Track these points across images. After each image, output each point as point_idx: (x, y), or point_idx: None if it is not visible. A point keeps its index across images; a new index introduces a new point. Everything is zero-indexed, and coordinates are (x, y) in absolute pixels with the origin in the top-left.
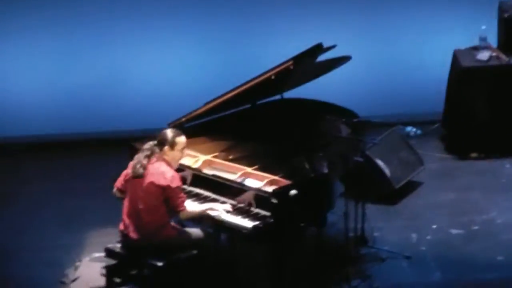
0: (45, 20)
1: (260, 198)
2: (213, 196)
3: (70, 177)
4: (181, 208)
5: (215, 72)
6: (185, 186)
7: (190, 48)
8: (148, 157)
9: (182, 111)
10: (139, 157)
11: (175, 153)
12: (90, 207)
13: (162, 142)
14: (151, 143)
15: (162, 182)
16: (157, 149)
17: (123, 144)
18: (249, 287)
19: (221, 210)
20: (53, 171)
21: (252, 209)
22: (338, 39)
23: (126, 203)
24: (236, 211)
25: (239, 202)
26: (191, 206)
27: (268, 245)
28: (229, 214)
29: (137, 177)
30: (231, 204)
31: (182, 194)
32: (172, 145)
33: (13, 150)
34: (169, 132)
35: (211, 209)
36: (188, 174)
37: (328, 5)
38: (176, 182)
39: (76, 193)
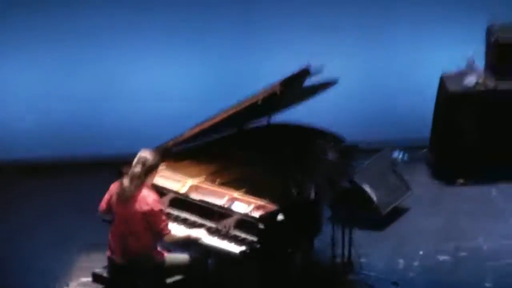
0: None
1: (247, 222)
2: (200, 221)
3: (58, 200)
4: (166, 232)
5: (207, 91)
6: (172, 211)
7: (178, 69)
8: (138, 186)
9: (173, 132)
10: (127, 182)
11: (155, 175)
12: (78, 231)
13: (150, 169)
14: (137, 169)
15: (145, 207)
16: (142, 176)
17: (111, 167)
18: None
19: (206, 235)
20: (40, 193)
21: (236, 233)
22: (327, 61)
23: (112, 228)
24: (222, 236)
25: (220, 226)
26: (177, 231)
27: (255, 270)
28: (216, 239)
29: (123, 201)
30: (216, 229)
31: (165, 218)
32: (155, 169)
33: (4, 172)
34: (154, 156)
35: (196, 235)
36: (169, 197)
37: (318, 29)
38: (158, 206)
39: (65, 216)
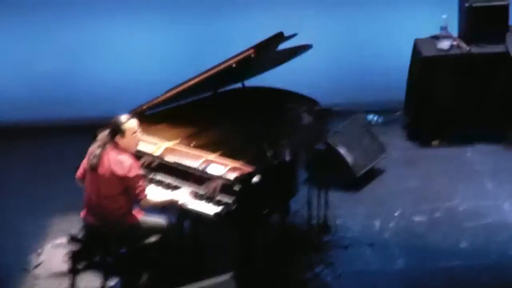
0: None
1: (223, 185)
2: (175, 183)
3: (34, 163)
4: (141, 197)
5: (180, 58)
6: (148, 174)
7: (155, 33)
8: (101, 147)
9: (147, 97)
10: (93, 148)
11: (128, 139)
12: (53, 193)
13: (112, 131)
14: (104, 133)
15: (120, 172)
16: (109, 139)
17: (88, 131)
18: (214, 272)
19: (182, 197)
20: (16, 157)
21: (216, 196)
22: (300, 26)
23: (86, 192)
24: (199, 197)
25: (206, 190)
26: (154, 194)
27: (231, 231)
28: (192, 200)
29: (93, 167)
30: (194, 191)
31: (141, 183)
32: (122, 132)
33: None
34: (118, 120)
35: (172, 199)
36: (150, 159)
37: None
38: (134, 171)
39: (40, 179)
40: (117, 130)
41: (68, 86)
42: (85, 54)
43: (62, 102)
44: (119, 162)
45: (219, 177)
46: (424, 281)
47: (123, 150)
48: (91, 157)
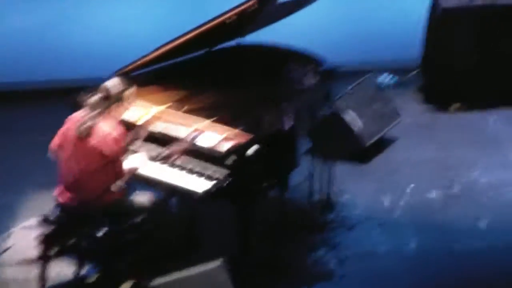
0: None
1: (215, 156)
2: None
3: (3, 131)
4: (122, 176)
5: (169, 13)
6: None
7: None
8: (94, 115)
9: (132, 57)
10: (84, 114)
11: (123, 108)
12: (23, 168)
13: (109, 98)
14: (97, 98)
15: (104, 147)
16: (104, 105)
17: (64, 95)
18: (205, 257)
19: (139, 162)
20: None
21: (201, 169)
22: None
23: (63, 164)
24: (153, 158)
25: (169, 153)
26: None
27: (223, 210)
28: (176, 174)
29: (81, 137)
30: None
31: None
32: (121, 100)
33: None
34: (117, 85)
35: (131, 167)
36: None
37: None
38: (117, 146)
39: (9, 150)
40: (116, 97)
41: (40, 44)
42: (64, 9)
43: (33, 62)
44: (106, 135)
45: (212, 148)
46: (440, 264)
47: (112, 119)
48: (83, 125)
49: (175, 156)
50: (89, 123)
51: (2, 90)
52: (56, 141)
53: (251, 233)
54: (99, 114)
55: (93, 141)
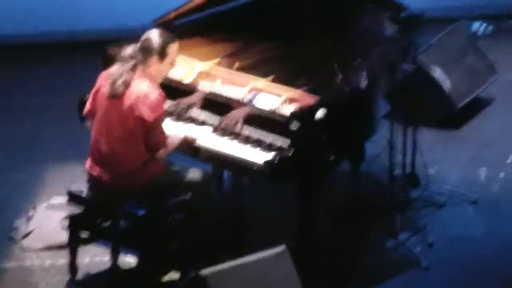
0: None
1: (275, 121)
2: (212, 121)
3: (24, 92)
4: (161, 146)
5: None
6: (172, 108)
7: None
8: (132, 70)
9: (173, 4)
10: (120, 69)
11: (164, 66)
12: (49, 136)
13: (148, 50)
14: (133, 48)
15: (143, 110)
16: (141, 59)
17: (93, 49)
18: (261, 243)
19: (202, 135)
20: (7, 83)
21: (260, 136)
22: None
23: (95, 130)
24: (233, 137)
25: (224, 124)
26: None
27: (286, 187)
28: (231, 144)
29: (115, 96)
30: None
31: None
32: (163, 55)
33: None
34: (158, 37)
35: (187, 136)
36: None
37: None
38: (155, 113)
39: (31, 114)
40: (157, 51)
41: None
42: None
43: (56, 12)
44: (144, 96)
45: (272, 112)
46: None
47: (151, 77)
48: (118, 82)
49: (239, 125)
50: (124, 79)
51: (21, 43)
52: (87, 106)
53: (316, 216)
54: (136, 69)
55: (129, 101)
